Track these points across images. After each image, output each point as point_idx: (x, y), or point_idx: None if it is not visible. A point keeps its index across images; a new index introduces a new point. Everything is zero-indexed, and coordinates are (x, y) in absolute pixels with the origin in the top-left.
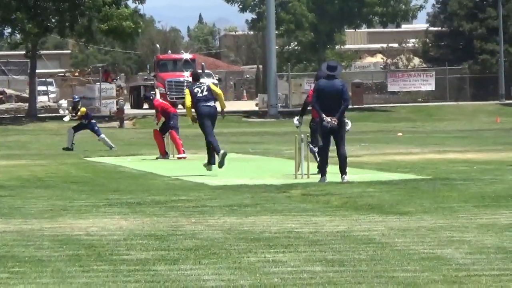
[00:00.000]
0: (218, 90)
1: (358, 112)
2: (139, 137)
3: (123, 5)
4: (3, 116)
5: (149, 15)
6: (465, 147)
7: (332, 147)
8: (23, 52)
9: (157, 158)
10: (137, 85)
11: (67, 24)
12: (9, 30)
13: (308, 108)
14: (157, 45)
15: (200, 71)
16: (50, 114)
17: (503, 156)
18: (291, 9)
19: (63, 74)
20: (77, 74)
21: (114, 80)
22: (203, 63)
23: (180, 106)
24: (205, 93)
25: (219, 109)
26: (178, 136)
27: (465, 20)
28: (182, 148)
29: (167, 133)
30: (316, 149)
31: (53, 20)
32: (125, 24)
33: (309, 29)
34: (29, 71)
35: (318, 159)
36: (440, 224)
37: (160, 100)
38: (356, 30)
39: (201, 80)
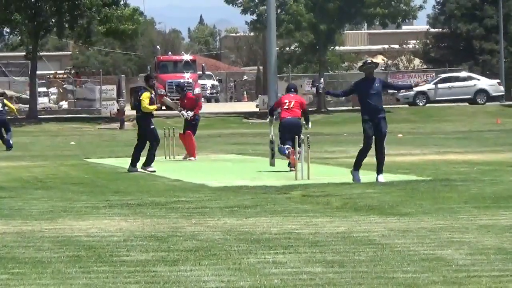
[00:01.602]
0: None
1: (358, 113)
2: None
3: (123, 5)
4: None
5: (149, 16)
6: (465, 148)
7: (335, 149)
8: (24, 53)
9: (185, 159)
10: (138, 87)
11: (66, 25)
12: (8, 30)
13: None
14: (158, 47)
15: (200, 72)
16: (51, 116)
17: (504, 157)
18: (289, 10)
19: (48, 76)
20: (60, 76)
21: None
22: (203, 64)
23: None
24: None
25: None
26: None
27: (463, 21)
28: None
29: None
30: (286, 151)
31: (52, 21)
32: (124, 27)
33: (308, 29)
34: (29, 72)
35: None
36: (440, 225)
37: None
38: (356, 30)
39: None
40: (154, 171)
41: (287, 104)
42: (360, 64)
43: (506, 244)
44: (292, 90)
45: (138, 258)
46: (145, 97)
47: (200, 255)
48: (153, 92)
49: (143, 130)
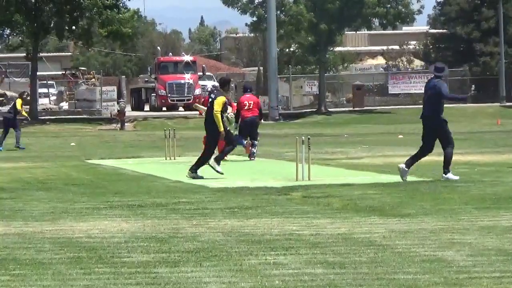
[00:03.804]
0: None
1: (359, 114)
2: (139, 140)
3: (123, 8)
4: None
5: (150, 17)
6: (466, 149)
7: (335, 150)
8: (24, 54)
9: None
10: (138, 88)
11: (66, 26)
12: (8, 31)
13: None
14: (158, 47)
15: (201, 73)
16: (51, 117)
17: (504, 158)
18: (290, 11)
19: (63, 73)
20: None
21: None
22: (204, 65)
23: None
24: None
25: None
26: None
27: (461, 23)
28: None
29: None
30: (244, 142)
31: (52, 22)
32: (124, 30)
33: (309, 30)
34: (30, 73)
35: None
36: (441, 226)
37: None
38: (356, 32)
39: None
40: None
41: (247, 105)
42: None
43: (507, 245)
44: (249, 90)
45: (139, 259)
46: (220, 102)
47: (201, 256)
48: (227, 98)
49: (210, 137)
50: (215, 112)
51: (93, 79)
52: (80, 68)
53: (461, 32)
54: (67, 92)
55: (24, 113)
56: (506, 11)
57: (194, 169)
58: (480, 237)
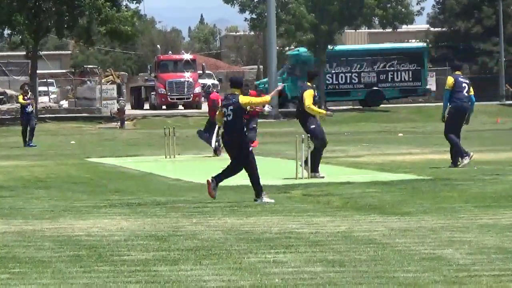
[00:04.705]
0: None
1: (358, 112)
2: (139, 138)
3: (124, 7)
4: (4, 116)
5: (150, 15)
6: (465, 147)
7: (335, 148)
8: (24, 52)
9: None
10: (138, 86)
11: (65, 25)
12: (8, 31)
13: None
14: (158, 46)
15: (201, 71)
16: (51, 115)
17: (504, 156)
18: (291, 10)
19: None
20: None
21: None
22: (203, 64)
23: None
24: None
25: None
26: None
27: (461, 19)
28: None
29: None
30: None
31: (52, 21)
32: (123, 28)
33: (309, 30)
34: (29, 72)
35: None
36: (441, 225)
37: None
38: (356, 30)
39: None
40: (323, 177)
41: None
42: None
43: (507, 244)
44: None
45: (138, 257)
46: (309, 95)
47: (201, 254)
48: (315, 91)
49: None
50: (307, 106)
51: (111, 77)
52: (88, 66)
53: (461, 26)
54: (72, 91)
55: (22, 101)
56: (506, 9)
57: (315, 169)
58: (479, 235)
